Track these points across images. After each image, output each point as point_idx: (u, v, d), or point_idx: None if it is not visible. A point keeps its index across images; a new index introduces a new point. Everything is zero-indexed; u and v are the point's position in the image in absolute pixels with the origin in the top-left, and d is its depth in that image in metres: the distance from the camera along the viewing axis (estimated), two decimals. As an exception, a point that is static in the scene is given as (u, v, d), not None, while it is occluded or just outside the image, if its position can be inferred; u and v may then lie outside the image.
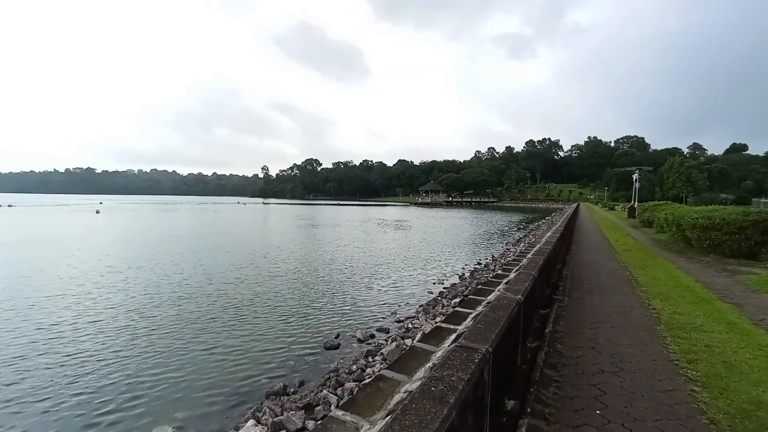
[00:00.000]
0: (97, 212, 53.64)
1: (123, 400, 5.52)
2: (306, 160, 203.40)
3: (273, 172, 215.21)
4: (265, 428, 4.39)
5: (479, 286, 10.05)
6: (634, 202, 38.56)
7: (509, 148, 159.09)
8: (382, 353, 6.44)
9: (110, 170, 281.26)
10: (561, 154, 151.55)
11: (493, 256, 18.98)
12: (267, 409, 4.88)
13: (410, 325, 8.21)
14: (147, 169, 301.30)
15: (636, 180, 41.58)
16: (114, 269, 14.58)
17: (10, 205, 64.54)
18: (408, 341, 6.83)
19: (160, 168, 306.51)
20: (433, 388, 1.79)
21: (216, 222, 41.40)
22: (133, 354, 7.04)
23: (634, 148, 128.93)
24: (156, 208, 72.75)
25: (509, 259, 16.10)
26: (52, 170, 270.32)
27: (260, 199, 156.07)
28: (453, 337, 5.67)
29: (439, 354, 5.07)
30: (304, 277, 13.78)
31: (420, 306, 10.12)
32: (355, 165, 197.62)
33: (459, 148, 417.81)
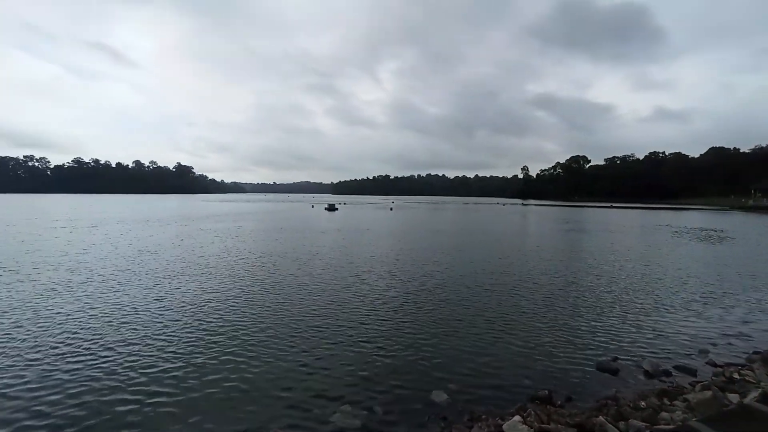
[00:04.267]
0: (390, 209, 69.77)
1: (405, 363, 6.86)
2: (571, 158, 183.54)
3: (533, 172, 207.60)
4: (532, 430, 4.31)
5: None
6: None
7: None
8: (686, 399, 4.95)
9: (399, 176, 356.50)
10: None
11: None
12: (532, 412, 4.79)
13: (735, 375, 5.87)
14: (423, 174, 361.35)
15: None
16: (392, 258, 18.35)
17: (344, 203, 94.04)
18: (733, 396, 4.92)
19: (432, 173, 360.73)
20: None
21: (476, 221, 44.37)
22: (416, 332, 8.62)
23: None
24: (428, 207, 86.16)
25: None
26: (364, 178, 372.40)
27: (519, 200, 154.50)
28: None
29: (809, 432, 3.37)
30: (570, 284, 12.56)
31: (756, 353, 7.04)
32: (637, 159, 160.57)
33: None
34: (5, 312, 8.96)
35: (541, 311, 9.65)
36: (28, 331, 7.81)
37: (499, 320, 8.93)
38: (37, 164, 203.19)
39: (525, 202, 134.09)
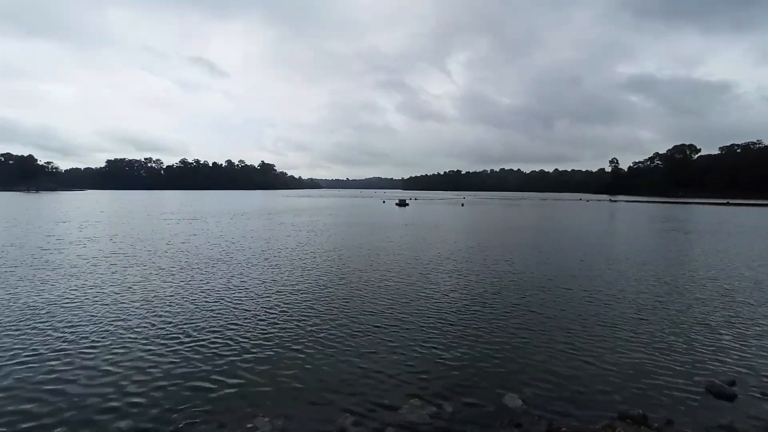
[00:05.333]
0: (462, 205, 68.06)
1: (476, 365, 6.60)
2: (674, 147, 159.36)
3: (624, 165, 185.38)
4: (622, 452, 3.85)
5: None
6: None
7: None
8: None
9: (471, 171, 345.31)
10: None
11: None
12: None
13: None
14: (497, 168, 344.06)
15: None
16: (461, 256, 17.77)
17: (415, 199, 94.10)
18: None
19: (507, 167, 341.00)
20: None
21: (555, 218, 41.16)
22: (487, 334, 8.27)
23: None
24: (502, 203, 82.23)
25: None
26: (435, 174, 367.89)
27: (606, 196, 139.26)
28: None
29: None
30: (670, 293, 11.01)
31: None
32: (765, 146, 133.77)
33: None
34: (119, 293, 10.68)
35: (633, 321, 8.58)
36: (134, 310, 9.16)
37: (580, 328, 8.15)
38: (153, 165, 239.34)
39: (613, 198, 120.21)
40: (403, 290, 10.95)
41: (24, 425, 4.64)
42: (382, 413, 4.98)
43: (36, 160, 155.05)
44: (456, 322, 8.44)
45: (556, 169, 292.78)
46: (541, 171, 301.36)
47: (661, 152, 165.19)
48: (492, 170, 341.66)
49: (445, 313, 9.02)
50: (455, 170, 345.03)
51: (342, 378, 5.92)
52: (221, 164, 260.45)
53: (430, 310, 9.23)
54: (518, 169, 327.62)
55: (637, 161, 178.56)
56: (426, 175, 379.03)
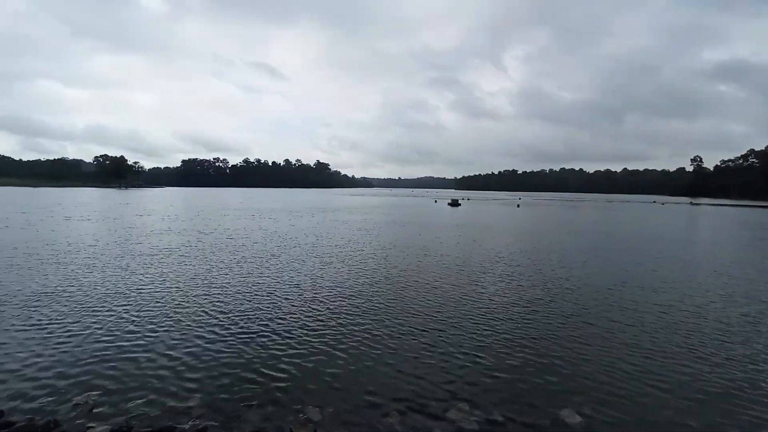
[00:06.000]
0: (518, 206, 65.18)
1: (529, 375, 6.27)
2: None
3: (709, 164, 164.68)
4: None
5: None
6: None
7: None
8: None
9: (527, 171, 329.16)
10: None
11: None
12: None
13: None
14: (556, 168, 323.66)
15: None
16: (514, 259, 16.93)
17: (468, 199, 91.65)
18: None
19: (567, 167, 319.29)
20: None
21: (623, 223, 37.74)
22: (540, 344, 7.83)
23: None
24: (562, 204, 77.30)
25: None
26: (489, 173, 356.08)
27: (686, 198, 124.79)
28: None
29: None
30: (763, 314, 9.60)
31: None
32: None
33: None
34: (185, 282, 11.73)
35: (715, 342, 7.59)
36: (195, 300, 9.98)
37: (650, 347, 7.36)
38: (220, 164, 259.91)
39: (694, 200, 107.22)
40: (452, 293, 10.72)
41: (96, 397, 5.30)
42: (429, 415, 4.94)
43: (126, 160, 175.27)
44: (506, 330, 8.08)
45: (625, 169, 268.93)
46: (607, 171, 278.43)
47: (757, 149, 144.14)
48: (551, 170, 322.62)
49: (495, 320, 8.67)
50: (510, 170, 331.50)
51: (387, 378, 5.93)
52: (280, 163, 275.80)
53: (479, 316, 8.94)
54: (580, 169, 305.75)
55: (725, 159, 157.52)
56: (480, 174, 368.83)
